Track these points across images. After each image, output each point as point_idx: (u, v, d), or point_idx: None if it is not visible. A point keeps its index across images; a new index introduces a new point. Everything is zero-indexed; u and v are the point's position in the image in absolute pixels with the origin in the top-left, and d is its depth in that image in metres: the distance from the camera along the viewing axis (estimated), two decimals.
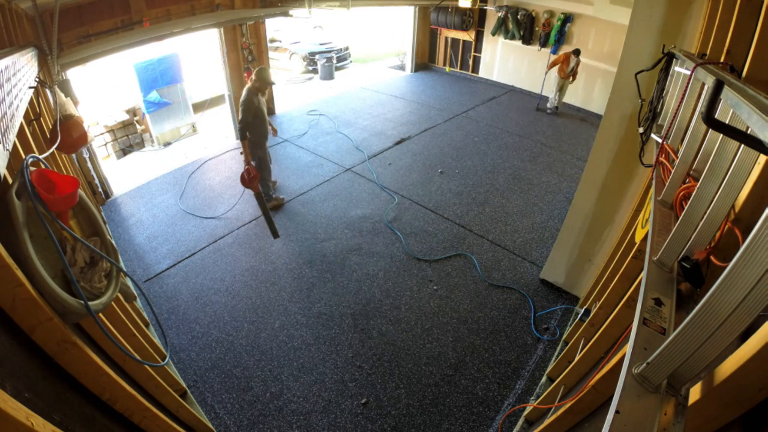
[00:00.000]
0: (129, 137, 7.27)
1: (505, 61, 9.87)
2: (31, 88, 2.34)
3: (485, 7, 9.43)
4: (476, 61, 10.53)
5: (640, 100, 2.54)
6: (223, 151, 6.88)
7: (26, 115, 2.27)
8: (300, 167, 6.25)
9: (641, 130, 2.39)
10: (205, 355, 3.28)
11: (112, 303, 1.96)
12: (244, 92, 4.29)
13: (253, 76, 4.29)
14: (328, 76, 11.28)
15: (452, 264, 4.25)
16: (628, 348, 1.01)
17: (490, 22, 9.61)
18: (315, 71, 11.58)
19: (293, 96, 9.66)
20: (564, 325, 3.57)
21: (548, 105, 8.58)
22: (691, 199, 1.24)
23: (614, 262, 2.75)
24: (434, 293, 3.87)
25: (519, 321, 3.61)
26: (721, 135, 1.13)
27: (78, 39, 4.66)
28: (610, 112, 3.06)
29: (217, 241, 4.63)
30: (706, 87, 1.46)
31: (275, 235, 4.25)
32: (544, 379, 3.06)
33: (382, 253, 4.40)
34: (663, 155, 1.86)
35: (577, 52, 7.63)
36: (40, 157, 1.43)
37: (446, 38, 10.84)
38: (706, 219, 1.19)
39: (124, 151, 7.19)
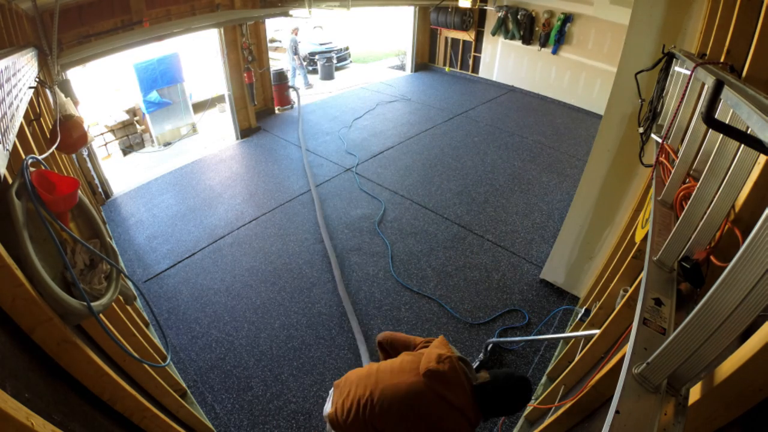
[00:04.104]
0: (129, 137, 7.27)
1: (505, 61, 9.86)
2: (31, 88, 2.34)
3: (485, 7, 9.42)
4: (476, 61, 10.51)
5: (640, 100, 2.54)
6: (223, 150, 6.88)
7: (26, 115, 2.27)
8: (300, 167, 6.25)
9: (641, 130, 2.39)
10: (205, 355, 3.28)
11: (112, 303, 1.96)
12: None
13: None
14: (328, 76, 11.28)
15: (452, 264, 4.25)
16: (628, 348, 1.01)
17: (490, 22, 9.60)
18: (315, 71, 11.58)
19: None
20: (564, 326, 3.57)
21: None
22: (691, 199, 1.24)
23: (614, 262, 2.75)
24: (434, 293, 3.87)
25: (519, 321, 3.61)
26: (721, 135, 1.13)
27: (78, 39, 4.66)
28: (610, 112, 3.06)
29: (217, 241, 4.63)
30: (706, 87, 1.45)
31: None
32: (544, 379, 3.06)
33: (382, 253, 4.39)
34: (663, 155, 1.86)
35: None
36: (40, 158, 1.43)
37: (446, 38, 10.83)
38: (706, 219, 1.19)
39: (124, 151, 7.20)
